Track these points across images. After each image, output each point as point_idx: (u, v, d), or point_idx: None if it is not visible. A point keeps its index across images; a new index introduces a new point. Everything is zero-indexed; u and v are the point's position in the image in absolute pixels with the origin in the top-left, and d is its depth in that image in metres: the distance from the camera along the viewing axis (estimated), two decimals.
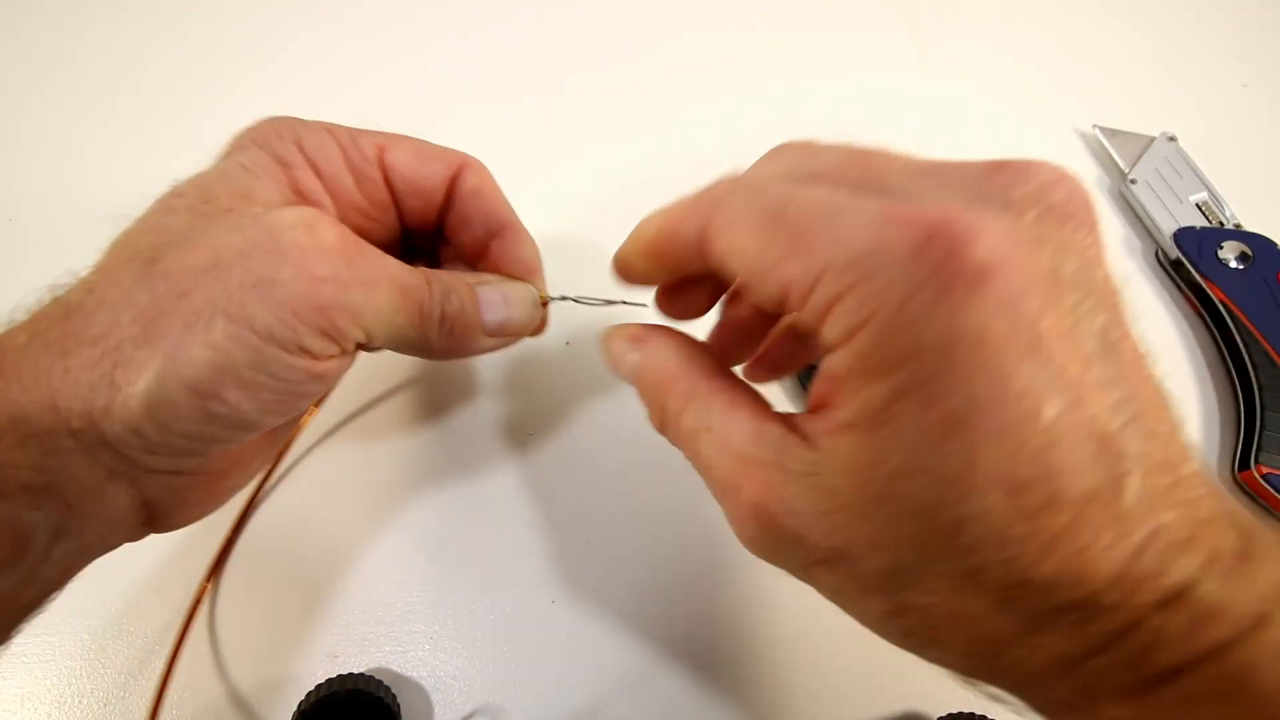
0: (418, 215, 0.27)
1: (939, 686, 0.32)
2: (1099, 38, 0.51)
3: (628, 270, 0.24)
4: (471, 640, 0.33)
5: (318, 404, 0.30)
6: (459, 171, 0.27)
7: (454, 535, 0.35)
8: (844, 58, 0.49)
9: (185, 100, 0.45)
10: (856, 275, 0.15)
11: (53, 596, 0.22)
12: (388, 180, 0.26)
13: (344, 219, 0.24)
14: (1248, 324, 0.37)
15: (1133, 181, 0.43)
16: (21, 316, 0.20)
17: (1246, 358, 0.37)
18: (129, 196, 0.23)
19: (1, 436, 0.19)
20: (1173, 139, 0.45)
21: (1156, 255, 0.42)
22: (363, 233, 0.24)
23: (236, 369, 0.20)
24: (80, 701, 0.31)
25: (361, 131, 0.26)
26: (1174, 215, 0.42)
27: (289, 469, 0.35)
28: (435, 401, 0.37)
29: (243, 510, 0.28)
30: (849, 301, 0.16)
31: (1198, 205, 0.43)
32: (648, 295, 0.26)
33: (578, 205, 0.43)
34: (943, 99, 0.48)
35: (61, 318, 0.20)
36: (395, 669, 0.32)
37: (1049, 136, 0.47)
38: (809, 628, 0.33)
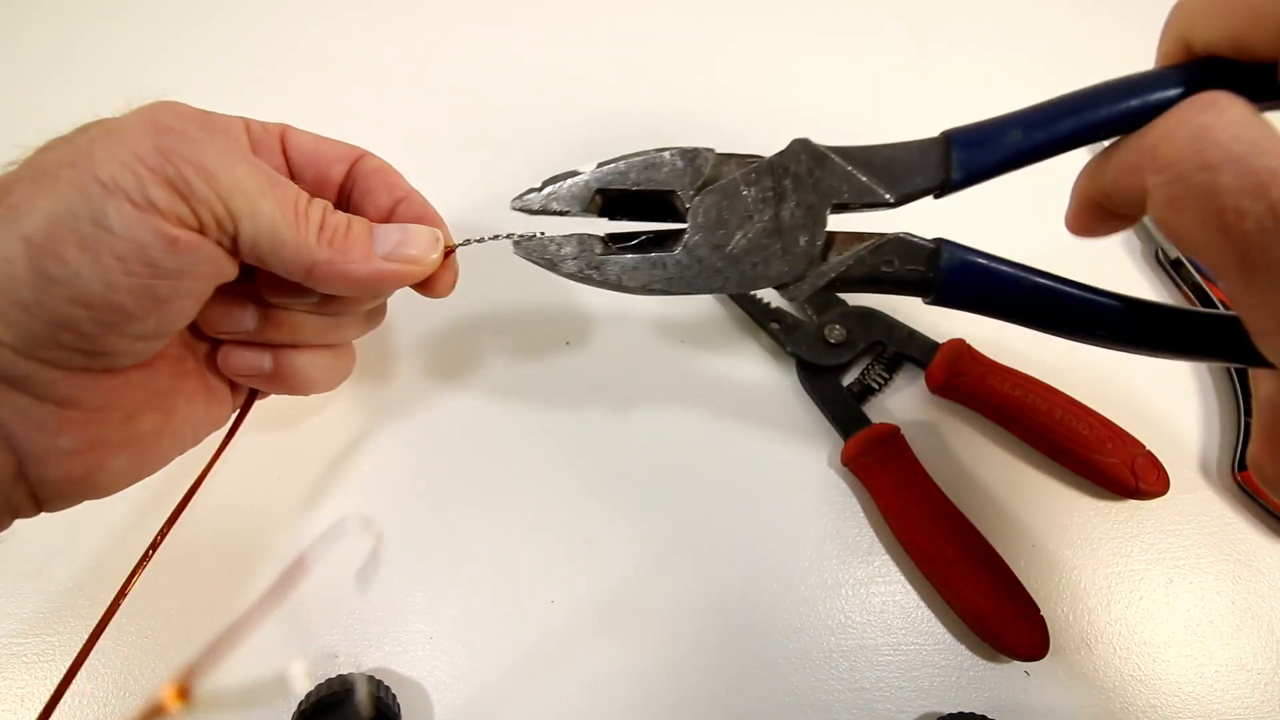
0: (313, 191, 0.26)
1: (942, 687, 0.32)
2: (1099, 38, 0.51)
3: None
4: (471, 640, 0.33)
5: (244, 411, 0.28)
6: (359, 159, 0.27)
7: (454, 536, 0.35)
8: (843, 57, 0.49)
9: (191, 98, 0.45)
10: None
11: None
12: (286, 154, 0.26)
13: None
14: None
15: None
16: None
17: None
18: None
19: None
20: None
21: (1156, 255, 0.42)
22: None
23: (77, 222, 0.18)
24: (80, 701, 0.31)
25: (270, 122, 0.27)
26: None
27: (287, 471, 0.35)
28: (434, 401, 0.37)
29: (186, 494, 0.27)
30: None
31: None
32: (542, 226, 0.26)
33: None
34: (942, 98, 0.48)
35: None
36: (395, 669, 0.32)
37: None
38: (815, 630, 0.33)
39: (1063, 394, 0.35)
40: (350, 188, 0.28)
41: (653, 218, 0.25)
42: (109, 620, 0.25)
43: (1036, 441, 0.35)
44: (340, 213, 0.24)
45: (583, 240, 0.25)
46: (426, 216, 0.27)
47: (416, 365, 0.38)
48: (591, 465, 0.36)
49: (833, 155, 0.24)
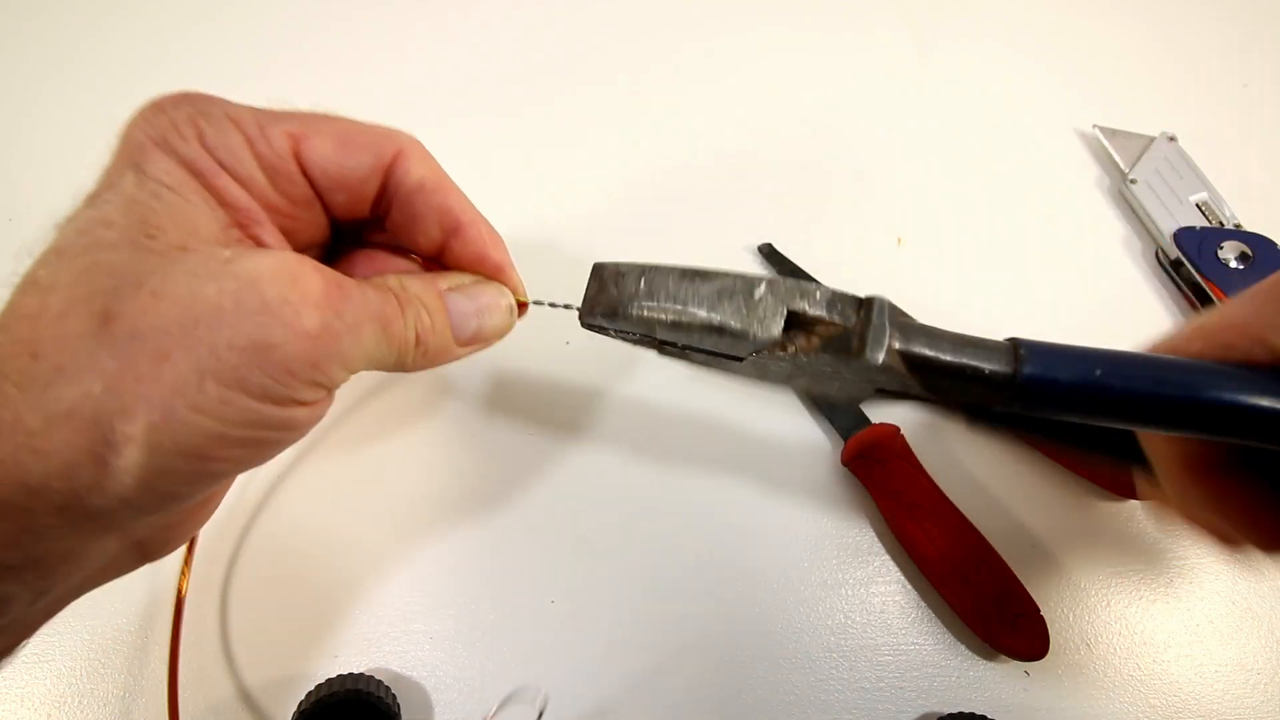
0: (346, 209, 0.24)
1: (942, 687, 0.32)
2: (1099, 38, 0.51)
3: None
4: (471, 640, 0.33)
5: None
6: (394, 160, 0.24)
7: (454, 535, 0.35)
8: (843, 58, 0.49)
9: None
10: None
11: (31, 636, 0.22)
12: (307, 174, 0.23)
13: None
14: None
15: (1133, 181, 0.43)
16: None
17: None
18: None
19: None
20: (1173, 139, 0.45)
21: (1156, 255, 0.42)
22: (287, 234, 0.23)
23: (233, 430, 0.19)
24: (80, 701, 0.31)
25: (271, 116, 0.22)
26: (1174, 215, 0.42)
27: (288, 471, 0.35)
28: (435, 403, 0.37)
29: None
30: None
31: (1198, 205, 0.43)
32: None
33: (565, 207, 0.43)
34: (942, 99, 0.48)
35: (14, 391, 0.17)
36: (395, 669, 0.32)
37: (1049, 136, 0.47)
38: (815, 630, 0.33)
39: None
40: (388, 205, 0.24)
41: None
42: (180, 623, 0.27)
43: (1037, 441, 0.35)
44: (425, 314, 0.23)
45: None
46: (486, 259, 0.25)
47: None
48: (589, 466, 0.36)
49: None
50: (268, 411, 0.19)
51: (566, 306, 0.27)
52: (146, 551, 0.23)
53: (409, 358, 0.23)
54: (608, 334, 0.26)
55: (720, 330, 0.24)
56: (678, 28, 0.50)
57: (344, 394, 0.37)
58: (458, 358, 0.25)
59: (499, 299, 0.26)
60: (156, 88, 0.22)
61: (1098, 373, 0.20)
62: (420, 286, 0.24)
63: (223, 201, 0.21)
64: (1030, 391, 0.21)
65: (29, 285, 0.18)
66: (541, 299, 0.27)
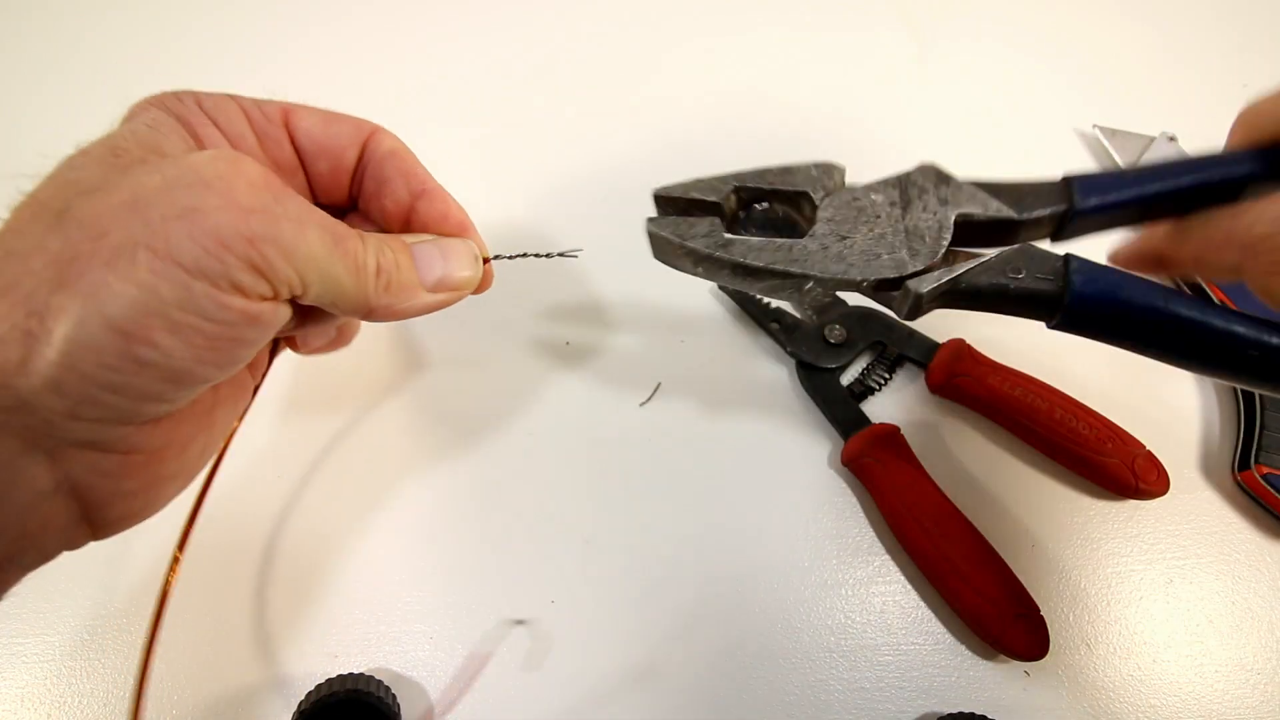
0: (328, 181, 0.26)
1: (942, 687, 0.32)
2: (1099, 38, 0.51)
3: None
4: (471, 640, 0.33)
5: (257, 385, 0.28)
6: (370, 137, 0.26)
7: (454, 536, 0.35)
8: (843, 57, 0.49)
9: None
10: None
11: None
12: (294, 141, 0.25)
13: None
14: None
15: None
16: None
17: None
18: None
19: None
20: (1173, 139, 0.45)
21: None
22: None
23: (165, 308, 0.18)
24: (80, 701, 0.31)
25: (266, 99, 0.25)
26: None
27: (288, 472, 0.35)
28: (436, 402, 0.37)
29: (203, 488, 0.27)
30: None
31: None
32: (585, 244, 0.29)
33: (561, 208, 0.43)
34: (942, 99, 0.48)
35: None
36: (395, 669, 0.32)
37: (1049, 136, 0.47)
38: (815, 630, 0.33)
39: (1063, 394, 0.35)
40: (363, 173, 0.26)
41: (778, 231, 0.26)
42: (160, 621, 0.26)
43: (1036, 441, 0.35)
44: (388, 249, 0.24)
45: (714, 222, 0.26)
46: (449, 216, 0.26)
47: (413, 360, 0.38)
48: (591, 466, 0.36)
49: (958, 178, 0.25)
50: (201, 290, 0.19)
51: (523, 255, 0.29)
52: (87, 508, 0.21)
53: (371, 288, 0.23)
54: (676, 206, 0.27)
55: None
56: (677, 28, 0.50)
57: (345, 393, 0.37)
58: (427, 306, 0.25)
59: (463, 247, 0.26)
60: (149, 89, 0.23)
61: (1158, 299, 0.22)
62: (381, 234, 0.24)
63: (203, 147, 0.23)
64: (1078, 312, 0.22)
65: (13, 206, 0.20)
66: (501, 253, 0.28)
